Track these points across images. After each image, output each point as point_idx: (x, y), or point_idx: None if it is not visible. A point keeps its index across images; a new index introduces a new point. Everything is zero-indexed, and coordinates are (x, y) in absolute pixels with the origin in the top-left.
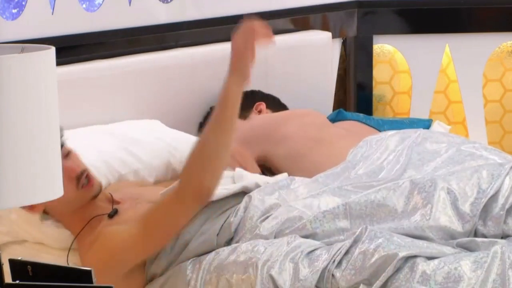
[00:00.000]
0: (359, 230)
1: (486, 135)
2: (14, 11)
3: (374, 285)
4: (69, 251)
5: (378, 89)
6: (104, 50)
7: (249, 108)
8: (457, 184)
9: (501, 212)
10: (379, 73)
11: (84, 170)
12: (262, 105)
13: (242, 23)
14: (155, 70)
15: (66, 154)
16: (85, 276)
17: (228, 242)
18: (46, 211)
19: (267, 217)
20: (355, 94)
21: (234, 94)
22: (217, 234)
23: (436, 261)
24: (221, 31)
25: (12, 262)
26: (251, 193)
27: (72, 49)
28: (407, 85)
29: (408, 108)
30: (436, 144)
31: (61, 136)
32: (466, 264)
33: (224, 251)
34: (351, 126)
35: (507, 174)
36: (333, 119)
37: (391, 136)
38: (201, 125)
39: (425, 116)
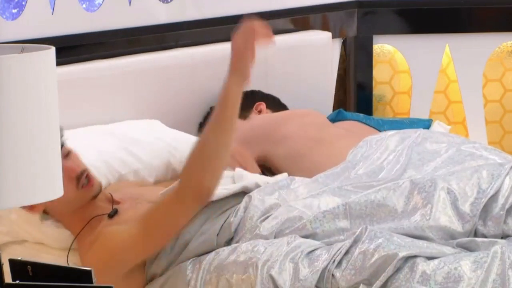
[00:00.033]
0: (359, 230)
1: (486, 135)
2: (14, 11)
3: (374, 285)
4: (69, 251)
5: (378, 89)
6: (104, 50)
7: (249, 108)
8: (457, 184)
9: (501, 212)
10: (379, 73)
11: (84, 170)
12: (262, 105)
13: (242, 23)
14: (155, 70)
15: (66, 154)
16: (85, 276)
17: (228, 242)
18: (46, 211)
19: (267, 217)
20: (355, 94)
21: (234, 94)
22: (217, 234)
23: (436, 261)
24: (221, 31)
25: (12, 262)
26: (251, 193)
27: (72, 49)
28: (407, 85)
29: (408, 108)
30: (436, 144)
31: (61, 136)
32: (466, 264)
33: (224, 251)
34: (351, 126)
35: (507, 174)
36: (333, 119)
37: (391, 136)
38: (201, 125)
39: (425, 116)
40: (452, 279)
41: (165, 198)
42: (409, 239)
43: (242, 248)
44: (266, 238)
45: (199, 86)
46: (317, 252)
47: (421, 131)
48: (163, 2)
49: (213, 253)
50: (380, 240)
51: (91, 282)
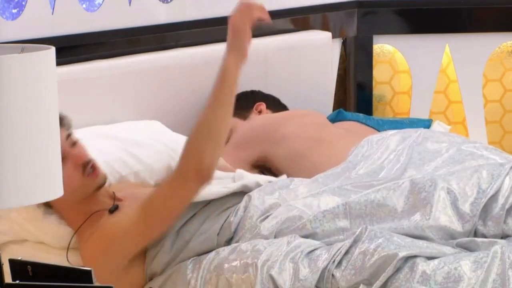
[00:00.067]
0: (359, 230)
1: (486, 135)
2: (14, 11)
3: (374, 285)
4: (69, 245)
5: (378, 89)
6: (104, 50)
7: (249, 108)
8: (457, 184)
9: (501, 212)
10: (379, 73)
11: (90, 160)
12: (262, 106)
13: (238, 2)
14: (155, 70)
15: (73, 143)
16: (85, 276)
17: (228, 242)
18: (50, 203)
19: (267, 217)
20: (355, 94)
21: (232, 72)
22: (218, 234)
23: (436, 261)
24: (221, 31)
25: (12, 262)
26: (251, 193)
27: (72, 49)
28: (407, 85)
29: (408, 108)
30: (437, 143)
31: (70, 126)
32: (466, 264)
33: (224, 250)
34: (351, 126)
35: (507, 174)
36: (333, 119)
37: (392, 136)
38: None
39: (425, 116)
40: (452, 279)
41: (165, 180)
42: (409, 239)
43: (242, 247)
44: (266, 238)
45: (199, 86)
46: (317, 252)
47: (422, 131)
48: (163, 2)
49: (213, 252)
50: (380, 240)
51: (91, 282)
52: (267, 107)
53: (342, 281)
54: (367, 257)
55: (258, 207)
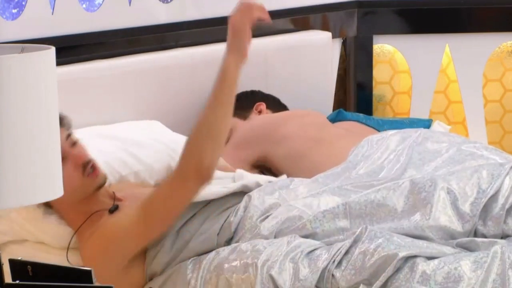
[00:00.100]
0: (359, 230)
1: (486, 135)
2: (14, 11)
3: (374, 285)
4: (69, 245)
5: (378, 89)
6: (104, 50)
7: (249, 108)
8: (457, 184)
9: (501, 212)
10: (379, 73)
11: (90, 160)
12: (262, 106)
13: (238, 2)
14: (155, 70)
15: (74, 143)
16: (85, 276)
17: (228, 242)
18: (50, 203)
19: (267, 217)
20: (355, 94)
21: (233, 72)
22: (218, 234)
23: (436, 261)
24: (221, 31)
25: (12, 262)
26: (251, 193)
27: (72, 49)
28: (407, 85)
29: (408, 108)
30: (437, 143)
31: (70, 126)
32: (466, 264)
33: (224, 250)
34: (351, 126)
35: (507, 174)
36: (333, 119)
37: (392, 136)
38: None
39: (425, 116)
40: (452, 279)
41: (165, 180)
42: (409, 239)
43: (242, 247)
44: (266, 238)
45: (199, 86)
46: (317, 252)
47: (422, 131)
48: (163, 2)
49: (213, 252)
50: (380, 240)
51: (91, 282)
52: (267, 107)
53: (342, 281)
54: (367, 257)
55: (258, 207)
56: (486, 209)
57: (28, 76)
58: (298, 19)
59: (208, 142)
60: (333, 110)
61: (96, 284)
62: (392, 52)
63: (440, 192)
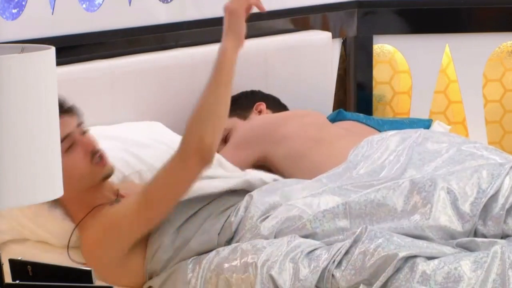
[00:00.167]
0: (359, 230)
1: (486, 135)
2: (14, 11)
3: (374, 285)
4: (69, 239)
5: (378, 89)
6: (104, 50)
7: (249, 108)
8: (457, 184)
9: (501, 212)
10: (379, 73)
11: (99, 149)
12: (262, 105)
13: None
14: (155, 70)
15: (84, 132)
16: (85, 276)
17: (229, 242)
18: None
19: (267, 217)
20: (355, 94)
21: (231, 57)
22: (218, 234)
23: (436, 261)
24: (221, 31)
25: (12, 262)
26: (252, 192)
27: (72, 49)
28: (407, 85)
29: (408, 108)
30: (437, 144)
31: (81, 115)
32: (466, 264)
33: (224, 250)
34: (351, 126)
35: (507, 174)
36: (333, 119)
37: (392, 136)
38: None
39: (425, 116)
40: (452, 279)
41: (166, 163)
42: (409, 239)
43: (242, 247)
44: (266, 238)
45: (199, 86)
46: (317, 252)
47: (422, 131)
48: (163, 2)
49: (213, 252)
50: (380, 240)
51: (91, 282)
52: (267, 107)
53: (342, 281)
54: (367, 257)
55: (259, 207)
56: (486, 209)
57: (28, 76)
58: (298, 19)
59: (209, 122)
60: (333, 110)
61: (96, 284)
62: (392, 52)
63: (440, 192)
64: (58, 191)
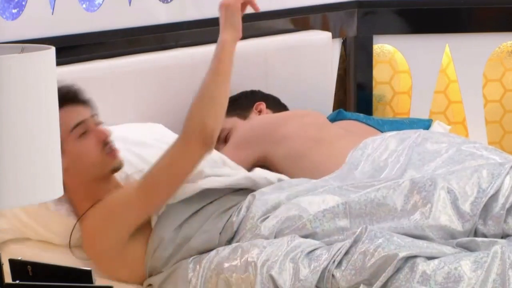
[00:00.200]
0: (359, 230)
1: (486, 135)
2: (14, 11)
3: (375, 285)
4: (72, 231)
5: (378, 89)
6: (104, 50)
7: (249, 108)
8: (457, 184)
9: (501, 212)
10: (379, 73)
11: (111, 141)
12: (262, 105)
13: None
14: (155, 70)
15: (98, 123)
16: (85, 276)
17: (229, 241)
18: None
19: (268, 217)
20: (355, 94)
21: (230, 47)
22: (220, 233)
23: (436, 261)
24: None
25: (12, 262)
26: (254, 192)
27: (72, 49)
28: (407, 85)
29: (408, 108)
30: (437, 144)
31: (95, 108)
32: (466, 264)
33: (225, 250)
34: (351, 126)
35: (507, 173)
36: (333, 119)
37: (391, 137)
38: None
39: (425, 116)
40: (452, 279)
41: (168, 148)
42: (409, 239)
43: (242, 247)
44: (266, 238)
45: (199, 86)
46: (317, 252)
47: (421, 132)
48: (163, 2)
49: (213, 251)
50: (380, 240)
51: (91, 282)
52: (267, 107)
53: (342, 281)
54: (367, 257)
55: (260, 207)
56: (486, 209)
57: (28, 76)
58: (298, 19)
59: (211, 108)
60: (333, 110)
61: (96, 284)
62: (392, 52)
63: (440, 192)
64: (58, 191)
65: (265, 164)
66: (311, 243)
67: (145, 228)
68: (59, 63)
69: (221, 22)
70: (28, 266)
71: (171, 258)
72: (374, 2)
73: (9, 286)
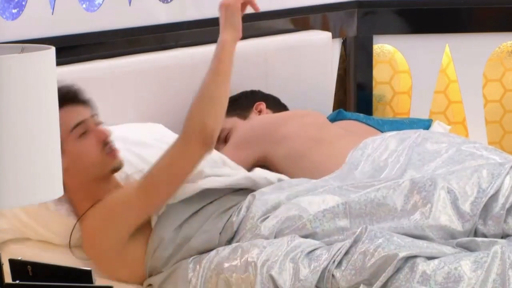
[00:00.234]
0: (359, 230)
1: (486, 135)
2: (14, 11)
3: (375, 285)
4: (72, 230)
5: (378, 89)
6: (104, 50)
7: (249, 108)
8: (457, 184)
9: (501, 212)
10: (379, 73)
11: (111, 141)
12: (262, 105)
13: None
14: (155, 70)
15: (98, 123)
16: (85, 276)
17: (229, 241)
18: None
19: (268, 217)
20: (355, 94)
21: (230, 47)
22: (220, 233)
23: (436, 261)
24: None
25: (12, 262)
26: (254, 192)
27: (72, 49)
28: (407, 85)
29: (408, 108)
30: (437, 144)
31: (96, 109)
32: (466, 264)
33: (225, 250)
34: (351, 125)
35: (507, 173)
36: (333, 119)
37: (391, 137)
38: None
39: (425, 116)
40: (452, 279)
41: (169, 148)
42: (409, 239)
43: (242, 247)
44: (266, 238)
45: (199, 86)
46: (317, 252)
47: (421, 132)
48: (163, 2)
49: (213, 251)
50: (380, 240)
51: (91, 282)
52: (267, 107)
53: (342, 281)
54: (367, 257)
55: (260, 207)
56: (486, 209)
57: (28, 76)
58: (298, 19)
59: (211, 107)
60: (333, 110)
61: (96, 284)
62: (392, 52)
63: (440, 192)
64: (58, 191)
65: (265, 164)
66: (311, 243)
67: (145, 228)
68: (59, 63)
69: (221, 22)
70: (28, 266)
71: (171, 258)
72: (374, 2)
73: (9, 286)
